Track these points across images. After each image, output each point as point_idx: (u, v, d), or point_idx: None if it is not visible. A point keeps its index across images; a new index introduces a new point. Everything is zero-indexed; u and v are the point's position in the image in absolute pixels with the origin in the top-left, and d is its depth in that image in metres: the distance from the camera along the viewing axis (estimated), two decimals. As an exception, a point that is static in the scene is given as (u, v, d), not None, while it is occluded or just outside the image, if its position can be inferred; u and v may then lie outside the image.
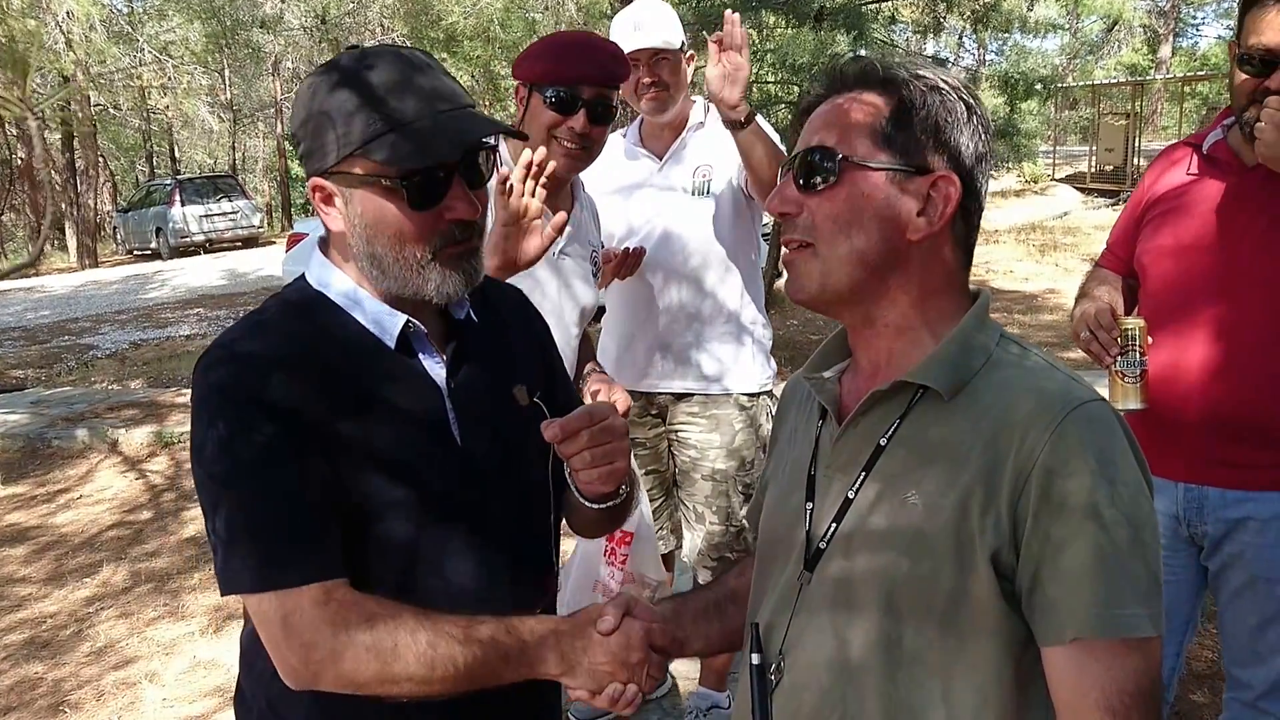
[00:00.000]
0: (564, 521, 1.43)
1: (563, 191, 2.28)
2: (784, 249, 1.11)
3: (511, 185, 1.81)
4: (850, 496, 1.07)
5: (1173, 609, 2.14)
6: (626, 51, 2.47)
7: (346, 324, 1.23)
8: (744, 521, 2.72)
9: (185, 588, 4.27)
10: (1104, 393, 1.96)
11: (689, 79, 2.66)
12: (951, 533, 0.99)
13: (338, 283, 1.24)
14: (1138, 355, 1.95)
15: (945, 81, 1.05)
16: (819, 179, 1.05)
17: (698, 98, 2.76)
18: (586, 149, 2.11)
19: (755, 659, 1.12)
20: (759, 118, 2.41)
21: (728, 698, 2.92)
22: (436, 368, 1.26)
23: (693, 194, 2.63)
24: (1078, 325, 2.08)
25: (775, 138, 2.46)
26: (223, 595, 1.14)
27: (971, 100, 1.06)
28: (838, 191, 1.04)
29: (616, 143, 2.78)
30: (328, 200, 1.20)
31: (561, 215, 1.91)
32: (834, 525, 1.07)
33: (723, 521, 2.72)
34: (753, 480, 2.72)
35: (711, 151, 2.64)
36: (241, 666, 1.33)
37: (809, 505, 1.12)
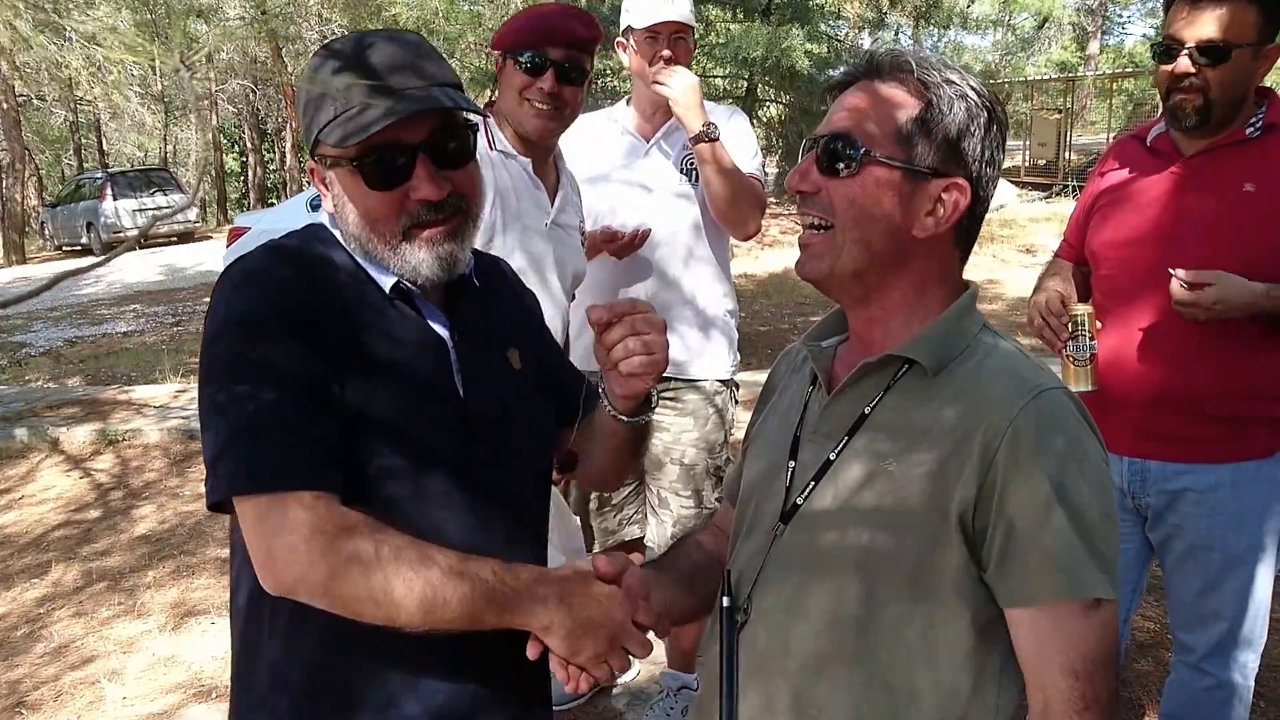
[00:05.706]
0: (571, 481, 1.44)
1: (547, 164, 2.35)
2: (802, 229, 1.16)
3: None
4: (831, 458, 1.13)
5: (1120, 578, 2.25)
6: (652, 22, 2.52)
7: (356, 269, 1.25)
8: (715, 504, 2.78)
9: (141, 585, 4.20)
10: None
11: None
12: (925, 503, 1.05)
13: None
14: (1086, 339, 2.06)
15: (973, 89, 1.09)
16: (840, 166, 1.09)
17: None
18: (558, 109, 2.18)
19: (726, 601, 1.19)
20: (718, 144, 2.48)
21: (696, 679, 2.98)
22: (439, 324, 1.28)
23: (676, 180, 2.66)
24: (1031, 313, 2.20)
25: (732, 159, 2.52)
26: (209, 508, 1.12)
27: (995, 109, 1.10)
28: (855, 181, 1.09)
29: (607, 121, 2.80)
30: (321, 181, 1.25)
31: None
32: (813, 484, 1.14)
33: (696, 505, 2.76)
34: (723, 464, 2.78)
35: None
36: (240, 649, 1.32)
37: (791, 464, 1.19)
